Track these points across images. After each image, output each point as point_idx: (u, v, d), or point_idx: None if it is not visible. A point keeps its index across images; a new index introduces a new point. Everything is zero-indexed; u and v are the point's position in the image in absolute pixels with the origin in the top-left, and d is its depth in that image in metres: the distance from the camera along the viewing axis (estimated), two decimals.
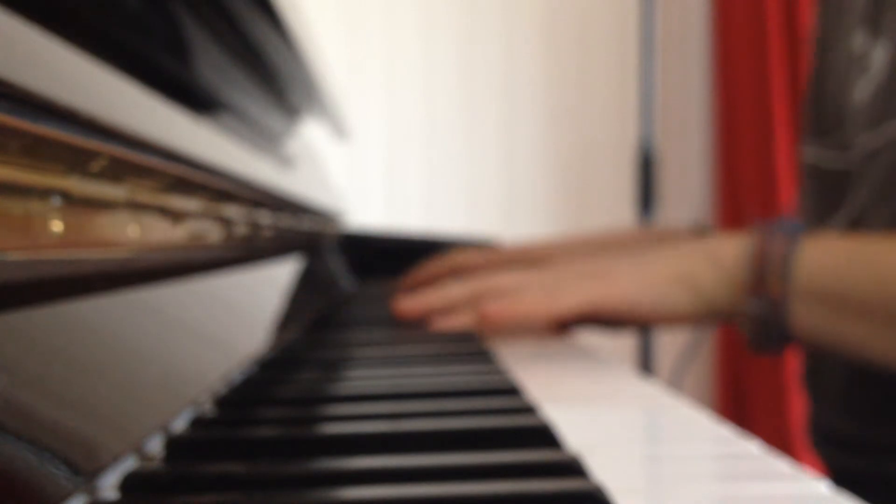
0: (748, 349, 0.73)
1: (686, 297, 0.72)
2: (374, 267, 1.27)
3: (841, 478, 0.77)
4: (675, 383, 1.85)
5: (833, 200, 0.82)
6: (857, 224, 0.79)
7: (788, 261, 0.68)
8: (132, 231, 0.39)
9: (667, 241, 0.86)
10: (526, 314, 0.72)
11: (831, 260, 0.69)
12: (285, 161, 0.89)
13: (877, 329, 0.66)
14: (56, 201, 0.32)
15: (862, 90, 0.80)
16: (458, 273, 0.88)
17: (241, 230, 0.62)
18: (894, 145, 0.76)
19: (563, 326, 0.76)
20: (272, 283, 0.73)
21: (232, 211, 0.60)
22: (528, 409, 0.40)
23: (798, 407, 0.91)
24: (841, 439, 0.81)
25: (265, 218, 0.72)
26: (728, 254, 0.71)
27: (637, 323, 0.75)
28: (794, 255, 0.69)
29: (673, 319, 0.73)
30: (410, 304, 0.77)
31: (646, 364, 1.98)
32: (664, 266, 0.73)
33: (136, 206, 0.40)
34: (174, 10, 0.58)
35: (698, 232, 0.91)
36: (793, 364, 1.95)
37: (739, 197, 2.34)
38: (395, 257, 1.26)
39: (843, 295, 0.67)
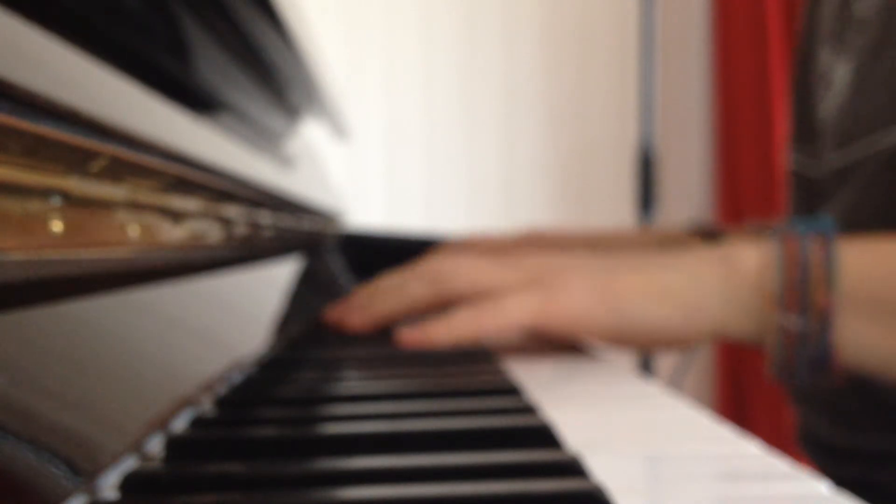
0: (772, 376, 0.60)
1: (672, 316, 0.59)
2: (374, 267, 1.27)
3: (835, 483, 0.75)
4: (675, 383, 1.85)
5: (806, 211, 0.82)
6: None
7: (831, 266, 0.57)
8: (132, 231, 0.39)
9: (667, 247, 0.74)
10: (451, 340, 0.60)
11: (876, 263, 0.58)
12: (285, 161, 0.89)
13: None
14: (56, 201, 0.32)
15: (827, 107, 0.79)
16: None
17: (241, 230, 0.62)
18: (863, 166, 0.73)
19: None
20: (272, 283, 0.73)
21: (232, 211, 0.60)
22: (528, 409, 0.40)
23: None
24: (830, 447, 0.79)
25: (265, 218, 0.72)
26: (747, 262, 0.59)
27: (609, 343, 0.62)
28: (835, 258, 0.57)
29: (653, 342, 0.61)
30: (354, 313, 0.69)
31: (646, 364, 1.98)
32: (643, 278, 0.60)
33: (136, 206, 0.40)
34: (174, 10, 0.58)
35: (702, 234, 0.89)
36: None
37: (739, 197, 2.34)
38: (395, 257, 1.25)
39: (892, 302, 0.57)
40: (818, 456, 0.81)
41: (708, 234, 0.88)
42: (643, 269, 0.61)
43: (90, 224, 0.35)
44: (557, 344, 0.64)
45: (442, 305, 0.65)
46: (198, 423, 0.39)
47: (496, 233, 0.93)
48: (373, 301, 0.69)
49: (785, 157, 0.91)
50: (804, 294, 0.57)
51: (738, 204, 2.33)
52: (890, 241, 0.59)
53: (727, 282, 0.59)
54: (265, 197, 0.71)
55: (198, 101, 0.62)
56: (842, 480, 0.79)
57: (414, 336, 0.61)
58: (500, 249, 0.83)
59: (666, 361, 2.08)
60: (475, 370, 0.54)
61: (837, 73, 0.78)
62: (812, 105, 0.83)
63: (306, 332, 0.72)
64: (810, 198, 0.82)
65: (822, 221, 0.59)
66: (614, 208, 2.36)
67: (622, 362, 0.59)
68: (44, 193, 0.31)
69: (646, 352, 0.69)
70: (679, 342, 0.61)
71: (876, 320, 0.57)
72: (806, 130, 0.84)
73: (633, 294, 0.59)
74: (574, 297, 0.59)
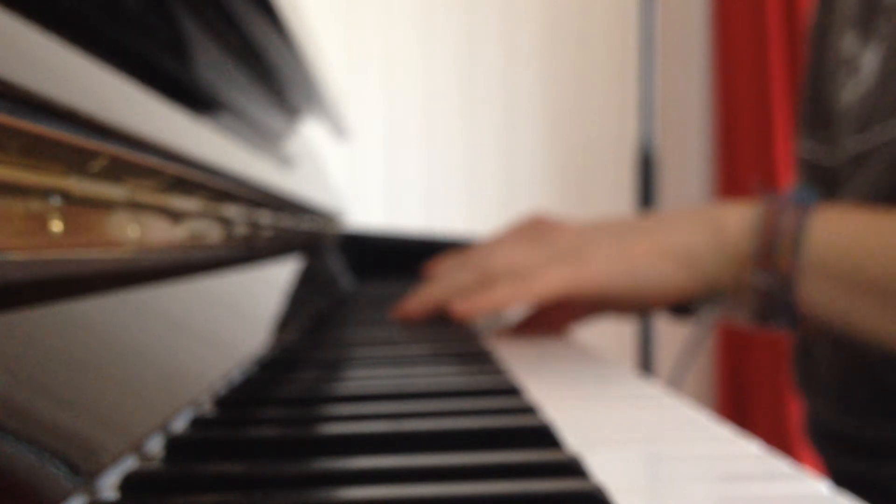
0: (750, 323, 0.69)
1: (679, 272, 0.67)
2: (374, 267, 1.27)
3: (840, 479, 0.76)
4: (675, 383, 1.84)
5: (826, 197, 0.81)
6: None
7: (800, 233, 0.65)
8: (132, 231, 0.39)
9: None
10: (495, 307, 0.70)
11: (845, 234, 0.65)
12: (285, 161, 0.89)
13: (890, 309, 0.63)
14: (56, 201, 0.32)
15: (851, 92, 0.79)
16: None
17: (240, 230, 0.62)
18: (881, 151, 0.74)
19: (564, 315, 0.75)
20: (272, 283, 0.73)
21: (232, 211, 0.60)
22: (529, 410, 0.40)
23: (798, 407, 0.90)
24: (837, 437, 0.79)
25: (265, 218, 0.72)
26: (733, 223, 0.67)
27: (624, 306, 0.71)
28: (805, 227, 0.65)
29: (662, 297, 0.69)
30: (411, 303, 0.76)
31: (646, 364, 1.98)
32: (650, 238, 0.68)
33: (136, 206, 0.40)
34: (174, 9, 0.58)
35: None
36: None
37: (739, 197, 2.34)
38: (394, 257, 1.26)
39: (856, 271, 0.64)
40: (825, 448, 0.81)
41: None
42: (651, 231, 0.69)
43: (90, 224, 0.35)
44: (583, 311, 0.74)
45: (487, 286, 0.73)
46: (197, 423, 0.39)
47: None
48: (425, 291, 0.76)
49: (793, 146, 0.90)
50: (772, 257, 0.65)
51: None
52: (863, 211, 0.66)
53: (715, 239, 0.68)
54: (265, 197, 0.71)
55: (198, 100, 0.62)
56: (848, 475, 0.78)
57: (462, 307, 0.71)
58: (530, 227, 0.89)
59: (666, 361, 2.08)
60: (475, 370, 0.54)
61: (865, 60, 0.78)
62: (831, 91, 0.82)
63: (306, 331, 0.72)
64: (823, 185, 0.82)
65: (805, 193, 0.67)
66: (614, 208, 2.36)
67: (622, 362, 0.59)
68: (44, 193, 0.31)
69: (655, 310, 0.76)
70: (684, 295, 0.69)
71: (836, 285, 0.64)
72: (820, 117, 0.84)
73: (645, 256, 0.68)
74: (598, 266, 0.68)
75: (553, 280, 0.68)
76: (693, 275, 0.67)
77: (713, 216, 0.69)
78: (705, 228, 0.68)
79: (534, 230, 0.76)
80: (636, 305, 0.71)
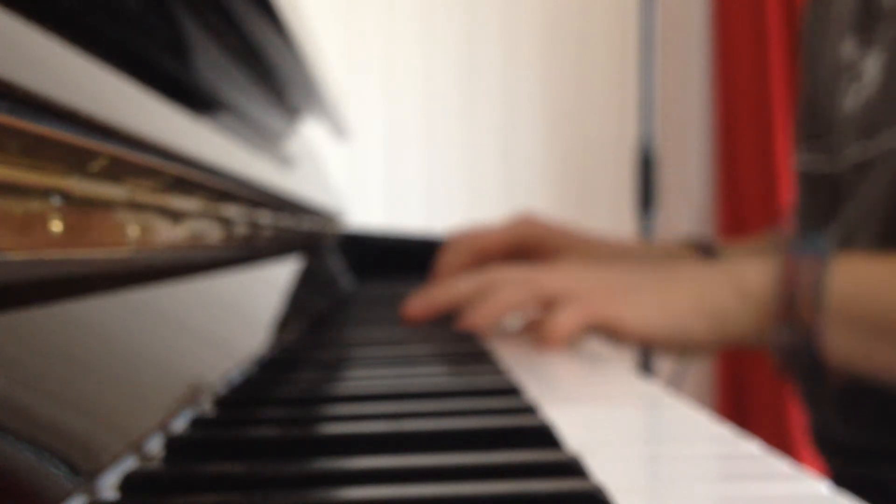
0: (781, 375, 0.71)
1: (705, 327, 0.69)
2: (374, 267, 1.27)
3: (846, 483, 0.75)
4: (675, 383, 1.85)
5: (826, 209, 0.81)
6: (849, 241, 0.77)
7: (819, 287, 0.66)
8: (132, 231, 0.39)
9: (680, 261, 0.84)
10: (561, 334, 0.68)
11: (863, 284, 0.67)
12: (285, 161, 0.89)
13: None
14: (56, 201, 0.32)
15: (853, 99, 0.79)
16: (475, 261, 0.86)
17: (240, 230, 0.62)
18: (886, 158, 0.74)
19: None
20: (272, 283, 0.73)
21: (232, 211, 0.60)
22: (529, 410, 0.40)
23: (798, 409, 0.90)
24: (841, 445, 0.79)
25: (265, 218, 0.72)
26: (754, 281, 0.69)
27: (647, 346, 0.74)
28: (824, 280, 0.66)
29: (688, 349, 0.71)
30: (419, 303, 0.76)
31: (646, 364, 1.98)
32: (687, 294, 0.70)
33: (136, 206, 0.40)
34: (174, 9, 0.58)
35: (700, 248, 0.90)
36: None
37: (739, 197, 2.34)
38: (394, 257, 1.26)
39: (877, 320, 0.65)
40: (832, 456, 0.81)
41: (705, 249, 0.89)
42: (686, 286, 0.71)
43: (90, 224, 0.35)
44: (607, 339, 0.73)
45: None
46: (197, 423, 0.39)
47: (493, 223, 0.93)
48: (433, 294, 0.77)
49: (793, 157, 0.90)
50: (793, 311, 0.67)
51: (739, 204, 2.33)
52: (879, 260, 0.68)
53: (739, 298, 0.69)
54: (265, 197, 0.71)
55: (198, 100, 0.62)
56: (857, 480, 0.78)
57: (525, 330, 0.73)
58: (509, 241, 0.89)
59: (666, 361, 2.08)
60: (475, 370, 0.54)
61: (866, 66, 0.77)
62: (831, 98, 0.81)
63: (306, 331, 0.72)
64: (826, 196, 0.82)
65: (818, 242, 0.69)
66: (614, 208, 2.36)
67: (622, 362, 0.60)
68: (44, 193, 0.31)
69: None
70: (712, 349, 0.72)
71: (859, 334, 0.66)
72: (820, 124, 0.83)
73: (685, 313, 0.69)
74: (639, 314, 0.69)
75: (606, 310, 0.69)
76: (718, 331, 0.69)
77: (735, 274, 0.70)
78: (731, 287, 0.70)
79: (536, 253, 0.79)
80: (653, 347, 0.73)
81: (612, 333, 0.70)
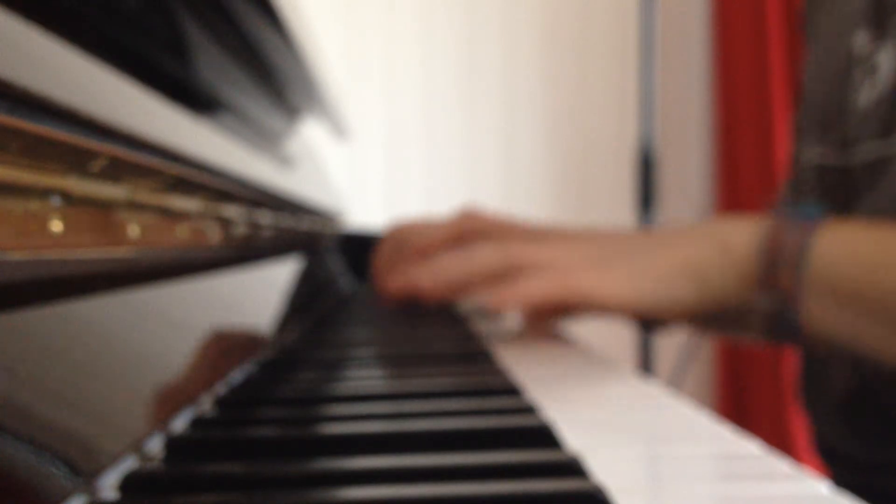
0: (757, 340, 0.69)
1: (690, 291, 0.67)
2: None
3: (849, 489, 0.73)
4: (675, 383, 1.85)
5: (836, 203, 0.79)
6: None
7: (803, 252, 0.64)
8: (132, 231, 0.39)
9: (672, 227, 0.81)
10: (525, 300, 0.69)
11: (851, 251, 0.64)
12: (285, 161, 0.89)
13: (894, 330, 0.62)
14: (56, 201, 0.32)
15: (867, 94, 0.77)
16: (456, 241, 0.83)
17: (240, 230, 0.62)
18: None
19: (547, 312, 0.73)
20: (272, 283, 0.73)
21: (231, 211, 0.60)
22: (528, 409, 0.40)
23: (798, 410, 0.90)
24: (843, 456, 0.78)
25: (265, 218, 0.72)
26: (739, 242, 0.67)
27: (631, 316, 0.71)
28: (809, 246, 0.64)
29: (674, 314, 0.69)
30: (398, 281, 0.75)
31: (646, 364, 1.98)
32: (669, 256, 0.68)
33: (136, 206, 0.40)
34: (174, 9, 0.58)
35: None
36: (793, 368, 1.95)
37: (739, 197, 2.34)
38: None
39: (860, 291, 0.63)
40: (836, 467, 0.80)
41: None
42: (666, 247, 0.69)
43: (90, 224, 0.35)
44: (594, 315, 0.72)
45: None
46: (197, 423, 0.39)
47: (434, 216, 0.91)
48: (439, 269, 0.75)
49: (792, 157, 0.88)
50: (775, 276, 0.65)
51: (739, 204, 2.33)
52: (871, 228, 0.65)
53: (722, 258, 0.67)
54: (265, 197, 0.71)
55: (198, 101, 0.62)
56: (861, 490, 0.77)
57: (493, 300, 0.70)
58: (448, 229, 0.86)
59: (666, 361, 2.08)
60: (475, 370, 0.54)
61: (881, 60, 0.75)
62: (845, 92, 0.79)
63: (306, 331, 0.72)
64: (841, 190, 0.79)
65: (811, 210, 0.66)
66: (614, 208, 2.36)
67: (622, 362, 0.60)
68: (44, 193, 0.31)
69: (668, 322, 0.76)
70: (694, 313, 0.69)
71: (841, 303, 0.63)
72: (832, 119, 0.80)
73: (667, 274, 0.68)
74: (623, 280, 0.68)
75: (581, 281, 0.68)
76: (703, 293, 0.67)
77: (720, 234, 0.68)
78: (713, 246, 0.67)
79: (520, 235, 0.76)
80: (642, 317, 0.71)
81: (602, 302, 0.68)
